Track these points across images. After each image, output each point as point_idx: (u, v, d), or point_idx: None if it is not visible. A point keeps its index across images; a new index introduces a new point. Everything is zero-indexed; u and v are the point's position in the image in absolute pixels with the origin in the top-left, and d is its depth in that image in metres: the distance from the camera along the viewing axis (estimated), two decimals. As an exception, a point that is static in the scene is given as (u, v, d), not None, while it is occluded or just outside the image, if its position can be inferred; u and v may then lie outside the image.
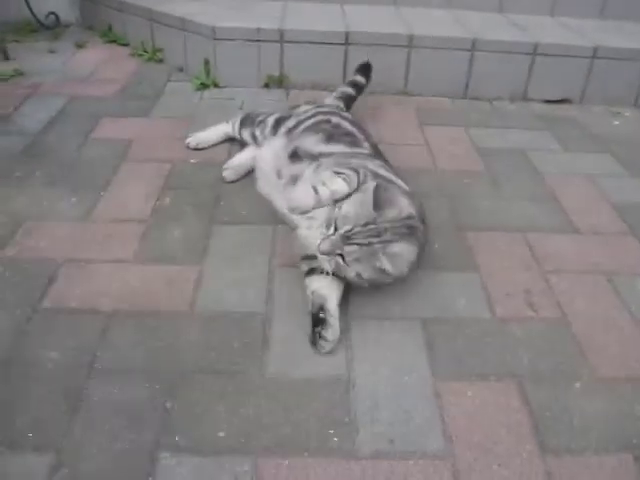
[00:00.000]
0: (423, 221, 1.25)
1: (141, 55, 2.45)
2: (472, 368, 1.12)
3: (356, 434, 0.98)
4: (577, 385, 1.09)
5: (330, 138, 1.50)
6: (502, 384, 1.09)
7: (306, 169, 1.40)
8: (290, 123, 1.60)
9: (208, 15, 2.22)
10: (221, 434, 0.97)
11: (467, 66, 2.20)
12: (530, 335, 1.19)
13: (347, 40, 2.14)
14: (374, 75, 2.02)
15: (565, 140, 1.98)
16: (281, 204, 1.42)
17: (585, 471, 0.94)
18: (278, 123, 1.63)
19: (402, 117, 2.08)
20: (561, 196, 1.66)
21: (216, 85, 2.22)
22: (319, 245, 1.14)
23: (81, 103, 2.06)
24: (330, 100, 1.89)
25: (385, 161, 1.47)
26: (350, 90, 1.95)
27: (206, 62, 2.22)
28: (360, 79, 1.98)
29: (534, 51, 2.17)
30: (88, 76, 2.28)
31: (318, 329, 1.13)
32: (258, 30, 2.11)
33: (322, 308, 1.16)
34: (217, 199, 1.58)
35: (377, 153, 1.51)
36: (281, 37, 2.12)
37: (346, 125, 1.57)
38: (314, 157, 1.42)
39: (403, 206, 1.17)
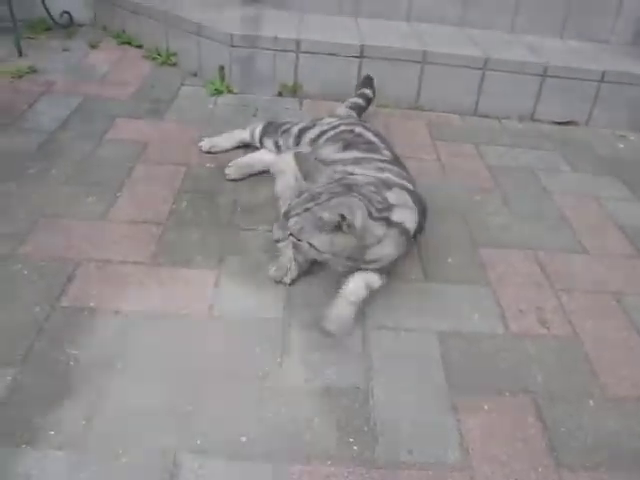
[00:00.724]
0: (424, 213, 1.35)
1: (155, 58, 2.46)
2: (487, 383, 1.14)
3: (375, 443, 0.99)
4: (590, 403, 1.11)
5: (347, 146, 1.52)
6: (517, 399, 1.11)
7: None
8: (313, 133, 1.63)
9: (225, 22, 2.24)
10: (243, 439, 0.98)
11: (478, 84, 2.23)
12: (543, 352, 1.22)
13: (362, 53, 2.17)
14: (387, 89, 2.05)
15: (573, 161, 2.02)
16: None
17: (599, 487, 0.97)
18: (301, 133, 1.65)
19: (415, 131, 2.11)
20: (570, 216, 1.69)
21: (230, 91, 2.24)
22: (273, 236, 1.22)
23: (95, 103, 2.07)
24: (343, 110, 1.92)
25: (404, 169, 1.49)
26: (361, 101, 1.99)
27: (221, 68, 2.23)
28: (368, 92, 2.03)
29: (544, 73, 2.21)
30: (102, 76, 2.29)
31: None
32: (275, 39, 2.14)
33: None
34: (234, 204, 1.59)
35: (397, 162, 1.52)
36: (297, 47, 2.15)
37: (368, 135, 1.60)
38: (327, 165, 1.44)
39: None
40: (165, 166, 1.74)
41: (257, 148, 1.79)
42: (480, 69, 2.20)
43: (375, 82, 2.06)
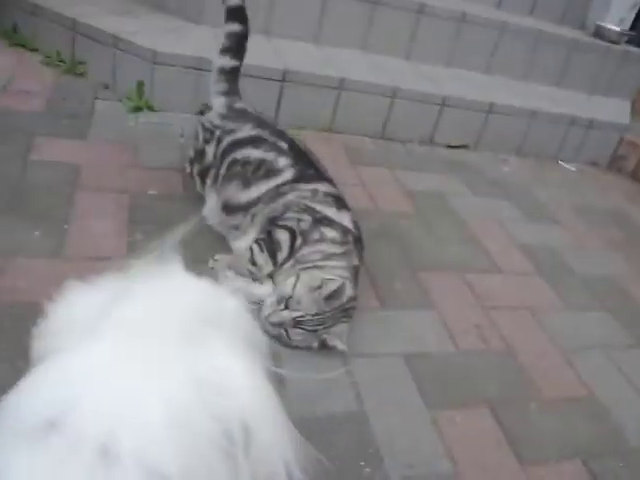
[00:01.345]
0: (360, 239, 1.43)
1: (57, 65, 2.31)
2: (453, 397, 1.33)
3: (382, 463, 1.14)
4: (532, 406, 1.36)
5: (247, 182, 1.48)
6: (479, 409, 1.32)
7: (242, 221, 1.49)
8: (211, 176, 1.58)
9: (144, 36, 2.19)
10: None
11: (387, 110, 2.45)
12: (489, 365, 1.45)
13: (284, 78, 2.26)
14: (305, 111, 2.17)
15: (471, 185, 2.32)
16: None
17: (554, 476, 1.21)
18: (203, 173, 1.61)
19: (334, 155, 2.26)
20: (481, 238, 1.97)
21: (150, 108, 2.20)
22: (268, 315, 1.30)
23: (6, 118, 1.91)
24: (216, 104, 1.65)
25: (312, 164, 1.51)
26: (227, 61, 1.63)
27: (140, 84, 2.18)
28: (236, 28, 1.63)
29: (443, 102, 2.49)
30: (4, 85, 2.11)
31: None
32: (200, 59, 2.15)
33: None
34: (190, 235, 1.61)
35: (301, 156, 1.50)
36: (222, 68, 2.17)
37: (255, 154, 1.49)
38: (244, 208, 1.48)
39: (347, 293, 1.32)
40: (106, 193, 1.69)
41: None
42: (390, 97, 2.41)
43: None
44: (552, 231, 2.15)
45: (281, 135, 1.54)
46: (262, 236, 1.41)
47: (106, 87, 2.27)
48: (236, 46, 1.63)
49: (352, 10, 2.60)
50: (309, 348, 1.32)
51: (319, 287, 1.29)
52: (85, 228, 1.54)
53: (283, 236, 1.38)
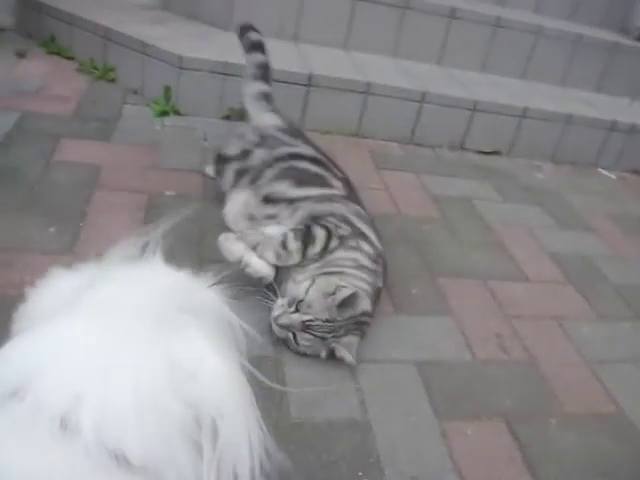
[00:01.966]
0: (385, 267, 1.43)
1: (91, 72, 2.37)
2: (466, 408, 1.26)
3: (382, 474, 1.07)
4: (552, 421, 1.27)
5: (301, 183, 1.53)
6: (493, 422, 1.24)
7: (282, 211, 1.48)
8: (251, 176, 1.59)
9: (172, 42, 2.21)
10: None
11: (415, 115, 2.39)
12: (507, 376, 1.36)
13: (310, 82, 2.24)
14: (331, 115, 2.15)
15: (502, 191, 2.23)
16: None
17: (571, 499, 1.12)
18: (240, 174, 1.63)
19: (359, 159, 2.22)
20: (508, 245, 1.88)
21: (176, 112, 2.22)
22: (278, 317, 1.26)
23: (36, 120, 1.97)
24: (270, 118, 1.74)
25: (360, 203, 1.55)
26: (267, 88, 1.78)
27: (167, 89, 2.21)
28: (262, 58, 1.78)
29: (474, 107, 2.41)
30: (37, 90, 2.17)
31: None
32: (225, 64, 2.15)
33: None
34: (202, 234, 1.60)
35: (350, 192, 1.57)
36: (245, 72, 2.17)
37: (314, 169, 1.57)
38: (290, 201, 1.49)
39: (362, 307, 1.28)
40: (124, 193, 1.70)
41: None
42: (418, 102, 2.36)
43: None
44: (586, 239, 2.04)
45: (334, 162, 1.66)
46: (300, 227, 1.38)
47: (135, 92, 2.31)
48: (266, 73, 1.79)
49: (381, 15, 2.57)
50: (316, 356, 1.27)
51: (332, 293, 1.25)
52: (100, 226, 1.55)
53: (320, 233, 1.35)
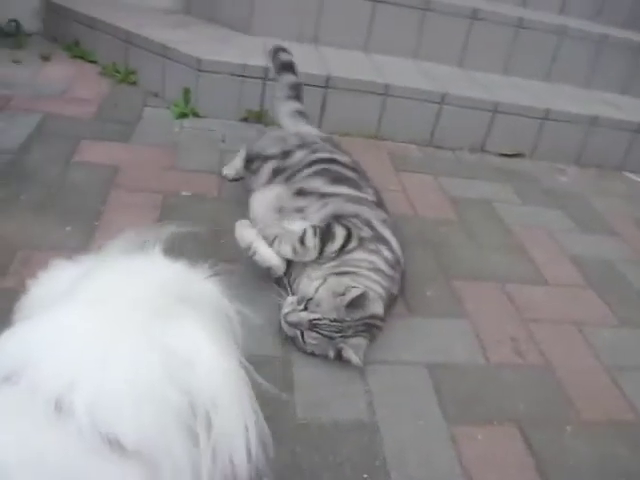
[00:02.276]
0: (402, 274, 1.43)
1: (113, 75, 2.41)
2: (477, 413, 1.23)
3: (389, 477, 1.05)
4: (568, 429, 1.23)
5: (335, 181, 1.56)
6: (505, 428, 1.20)
7: (312, 204, 1.48)
8: (288, 173, 1.62)
9: (192, 45, 2.24)
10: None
11: (434, 117, 2.36)
12: (522, 381, 1.33)
13: (327, 84, 2.24)
14: (350, 117, 2.15)
15: (523, 194, 2.19)
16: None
17: (586, 508, 1.08)
18: (276, 173, 1.65)
19: (378, 161, 2.20)
20: (528, 248, 1.84)
21: (195, 114, 2.24)
22: (287, 314, 1.25)
23: (57, 122, 2.00)
24: (307, 129, 1.83)
25: (386, 211, 1.56)
26: (300, 106, 1.87)
27: (186, 91, 2.23)
28: (293, 78, 1.86)
29: (495, 109, 2.38)
30: (61, 93, 2.21)
31: None
32: (244, 66, 2.16)
33: None
34: (217, 236, 1.60)
35: (379, 201, 1.59)
36: (265, 75, 2.18)
37: (346, 171, 1.61)
38: (322, 195, 1.51)
39: (373, 309, 1.26)
40: (140, 193, 1.72)
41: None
42: (438, 103, 2.33)
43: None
44: (609, 242, 1.98)
45: (365, 173, 1.71)
46: (320, 224, 1.38)
47: (156, 95, 2.33)
48: (299, 92, 1.87)
49: (402, 17, 2.55)
50: (324, 356, 1.26)
51: (342, 294, 1.23)
52: (114, 225, 1.56)
53: (340, 232, 1.35)
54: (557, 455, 1.16)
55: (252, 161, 1.73)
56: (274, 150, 1.69)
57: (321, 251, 1.33)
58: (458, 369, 1.32)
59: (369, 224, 1.42)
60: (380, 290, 1.32)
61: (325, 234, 1.34)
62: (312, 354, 1.26)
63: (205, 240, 1.57)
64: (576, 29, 2.71)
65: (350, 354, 1.22)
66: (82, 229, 1.52)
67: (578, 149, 2.51)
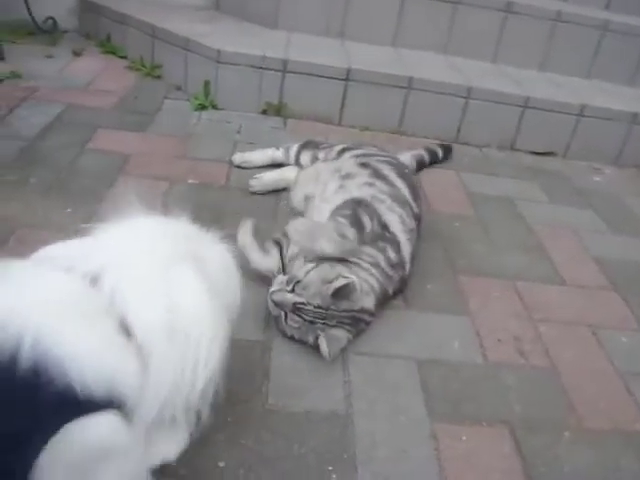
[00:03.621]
0: (406, 281, 1.37)
1: (139, 70, 2.44)
2: (466, 412, 1.14)
3: (354, 471, 0.98)
4: (566, 434, 1.12)
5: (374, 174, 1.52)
6: (495, 429, 1.11)
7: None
8: (357, 152, 1.63)
9: (213, 37, 2.24)
10: (221, 464, 0.96)
11: (460, 112, 2.27)
12: (521, 382, 1.23)
13: (348, 76, 2.19)
14: (371, 111, 2.09)
15: (551, 192, 2.06)
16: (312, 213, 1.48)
17: (575, 521, 0.97)
18: (344, 150, 1.66)
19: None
20: (548, 247, 1.72)
21: (214, 107, 2.24)
22: (273, 292, 1.21)
23: (78, 112, 2.04)
24: (406, 157, 1.90)
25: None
26: (426, 156, 2.03)
27: (206, 83, 2.23)
28: (438, 150, 2.09)
29: (525, 104, 2.26)
30: (85, 85, 2.26)
31: None
32: (263, 58, 2.15)
33: None
34: (218, 222, 1.56)
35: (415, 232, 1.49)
36: (284, 67, 2.16)
37: (404, 192, 1.52)
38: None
39: (362, 302, 1.20)
40: (146, 180, 1.72)
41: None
42: (464, 97, 2.24)
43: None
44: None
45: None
46: (347, 212, 1.34)
47: (178, 88, 2.35)
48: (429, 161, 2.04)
49: (432, 11, 2.48)
50: (302, 342, 1.20)
51: (330, 281, 1.18)
52: (115, 208, 1.56)
53: (365, 220, 1.33)
54: (550, 461, 1.06)
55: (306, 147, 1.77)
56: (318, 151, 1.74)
57: (362, 239, 1.29)
58: (451, 366, 1.24)
59: (384, 225, 1.38)
60: (375, 285, 1.26)
61: (354, 220, 1.32)
62: (292, 338, 1.20)
63: (204, 226, 1.55)
64: (619, 23, 2.55)
65: (323, 344, 1.15)
66: (83, 211, 1.52)
67: (617, 148, 2.36)
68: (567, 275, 1.61)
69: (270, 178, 1.74)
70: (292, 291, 1.19)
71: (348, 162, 1.58)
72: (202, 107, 2.22)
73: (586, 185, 2.18)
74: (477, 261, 1.60)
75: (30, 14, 2.53)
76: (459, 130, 2.31)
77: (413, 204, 1.50)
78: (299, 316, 1.18)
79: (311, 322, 1.17)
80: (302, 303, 1.17)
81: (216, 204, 1.65)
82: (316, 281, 1.19)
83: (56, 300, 0.68)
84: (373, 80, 2.20)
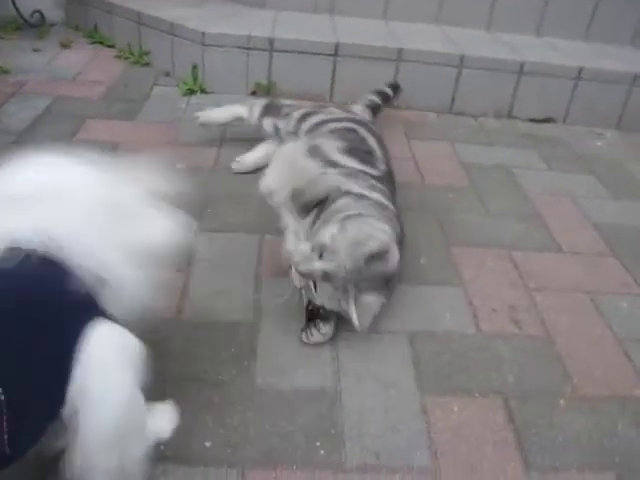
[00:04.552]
0: (400, 243, 1.22)
1: (127, 58, 2.42)
2: (458, 384, 1.12)
3: (343, 447, 0.97)
4: (561, 403, 1.10)
5: (350, 151, 1.43)
6: (487, 400, 1.09)
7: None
8: (316, 119, 1.59)
9: (198, 20, 2.21)
10: (207, 444, 0.95)
11: (454, 82, 2.22)
12: (515, 352, 1.20)
13: (337, 51, 2.15)
14: (362, 87, 2.05)
15: (549, 159, 2.01)
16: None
17: (569, 489, 0.95)
18: (304, 117, 1.63)
19: (389, 130, 2.08)
20: (545, 215, 1.68)
21: (203, 91, 2.21)
22: (298, 263, 1.10)
23: (66, 104, 2.03)
24: (358, 108, 1.87)
25: (392, 189, 1.43)
26: (377, 99, 1.96)
27: (194, 67, 2.20)
28: (388, 90, 2.01)
29: (520, 70, 2.20)
30: (73, 77, 2.25)
31: (316, 322, 1.15)
32: (248, 37, 2.11)
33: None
34: (204, 205, 1.56)
35: (388, 177, 1.46)
36: (271, 46, 2.12)
37: (370, 142, 1.52)
38: (328, 163, 1.39)
39: (390, 261, 1.12)
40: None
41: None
42: (456, 67, 2.19)
43: (396, 87, 2.07)
44: (642, 209, 1.78)
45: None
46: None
47: (167, 74, 2.33)
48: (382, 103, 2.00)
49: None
50: (337, 311, 1.13)
51: (363, 243, 1.08)
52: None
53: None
54: (543, 431, 1.04)
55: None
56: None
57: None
58: (442, 338, 1.21)
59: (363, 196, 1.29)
60: (390, 232, 1.18)
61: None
62: (322, 308, 1.14)
63: (194, 209, 1.53)
64: (617, -19, 2.47)
65: (353, 314, 1.07)
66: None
67: (618, 111, 2.29)
68: (564, 242, 1.57)
69: (251, 160, 1.71)
70: (320, 258, 1.10)
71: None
72: (191, 92, 2.20)
73: (587, 151, 2.12)
74: (472, 232, 1.57)
75: (16, 9, 2.52)
76: (453, 100, 2.26)
77: (380, 156, 1.49)
78: (330, 284, 1.08)
79: (343, 288, 1.08)
80: (332, 270, 1.07)
81: (204, 187, 1.63)
82: (346, 244, 1.09)
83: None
84: (362, 54, 2.15)
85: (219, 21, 2.23)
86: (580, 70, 2.21)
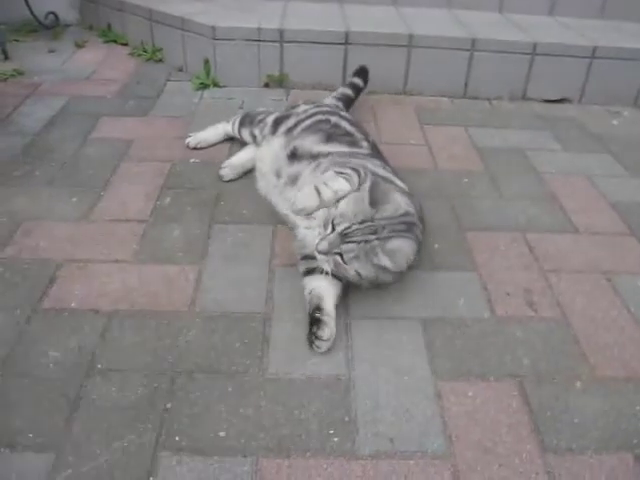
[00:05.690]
0: (422, 220, 1.26)
1: (140, 55, 2.44)
2: (472, 368, 1.12)
3: (356, 434, 0.98)
4: (577, 385, 1.09)
5: (329, 138, 1.50)
6: (502, 384, 1.09)
7: (305, 169, 1.40)
8: (290, 122, 1.60)
9: (208, 15, 2.22)
10: (222, 434, 0.97)
11: (466, 66, 2.19)
12: (530, 335, 1.19)
13: (347, 40, 2.14)
14: (374, 74, 2.03)
15: (565, 140, 1.98)
16: (281, 205, 1.43)
17: (585, 470, 0.94)
18: (277, 122, 1.63)
19: (402, 117, 2.08)
20: (561, 196, 1.66)
21: (216, 85, 2.22)
22: (317, 245, 1.15)
23: (81, 103, 2.06)
24: (329, 100, 1.89)
25: (384, 161, 1.47)
26: (349, 91, 1.96)
27: (206, 62, 2.21)
28: (358, 81, 2.00)
29: (533, 51, 2.17)
30: (88, 76, 2.28)
31: (314, 329, 1.13)
32: (258, 30, 2.11)
33: (318, 308, 1.16)
34: (217, 198, 1.58)
35: (376, 152, 1.51)
36: (281, 37, 2.12)
37: (345, 125, 1.57)
38: (313, 157, 1.42)
39: (400, 203, 1.18)
40: (149, 163, 1.72)
41: (241, 140, 1.78)
42: (468, 50, 2.16)
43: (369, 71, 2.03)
44: (661, 187, 1.75)
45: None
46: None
47: (180, 70, 2.34)
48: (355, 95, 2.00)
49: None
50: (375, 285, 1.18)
51: (361, 193, 1.16)
52: (118, 194, 1.58)
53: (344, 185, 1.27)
54: (560, 413, 1.03)
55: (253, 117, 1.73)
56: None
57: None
58: (457, 323, 1.21)
59: (366, 167, 1.32)
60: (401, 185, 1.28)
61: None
62: (359, 279, 1.16)
63: (207, 203, 1.55)
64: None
65: (384, 259, 1.11)
66: (87, 199, 1.55)
67: (634, 88, 2.24)
68: (581, 223, 1.55)
69: (237, 162, 1.69)
70: (333, 229, 1.15)
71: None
72: (204, 86, 2.21)
73: (603, 130, 2.08)
74: (486, 216, 1.56)
75: (31, 11, 2.55)
76: (466, 85, 2.23)
77: (359, 135, 1.55)
78: (350, 242, 1.12)
79: (365, 241, 1.11)
80: (347, 227, 1.12)
81: (217, 181, 1.65)
82: (349, 204, 1.16)
83: None
84: (373, 41, 2.14)
85: (229, 14, 2.24)
86: (595, 49, 2.17)
